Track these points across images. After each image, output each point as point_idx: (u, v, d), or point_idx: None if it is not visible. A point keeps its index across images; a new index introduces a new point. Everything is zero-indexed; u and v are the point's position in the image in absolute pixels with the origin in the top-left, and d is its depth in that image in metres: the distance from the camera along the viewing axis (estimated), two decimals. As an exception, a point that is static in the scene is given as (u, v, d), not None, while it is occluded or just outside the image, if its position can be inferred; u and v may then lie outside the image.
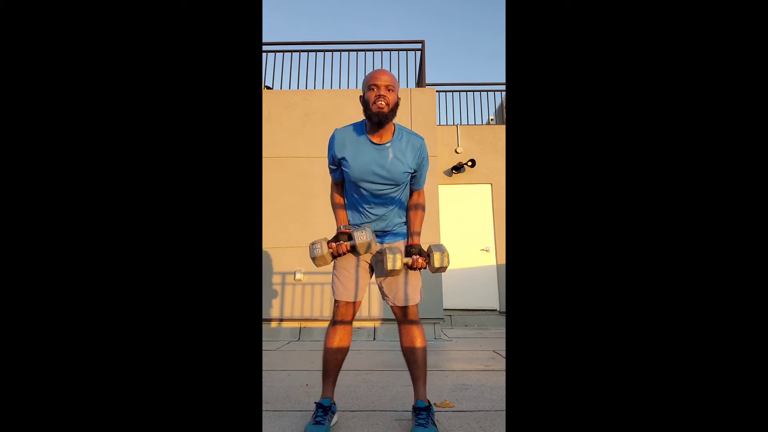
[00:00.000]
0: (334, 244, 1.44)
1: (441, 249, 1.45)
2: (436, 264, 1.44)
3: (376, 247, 1.50)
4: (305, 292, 4.05)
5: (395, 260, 1.38)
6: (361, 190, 1.46)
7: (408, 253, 1.46)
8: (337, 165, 1.48)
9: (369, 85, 1.37)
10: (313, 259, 1.46)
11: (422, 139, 1.48)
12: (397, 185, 1.46)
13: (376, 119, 1.36)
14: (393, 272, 1.40)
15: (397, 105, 1.39)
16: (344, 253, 1.46)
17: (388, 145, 1.42)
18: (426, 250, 1.47)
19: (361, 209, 1.52)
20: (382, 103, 1.33)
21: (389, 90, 1.36)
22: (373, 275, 1.57)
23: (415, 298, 1.50)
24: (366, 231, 1.41)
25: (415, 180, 1.51)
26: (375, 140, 1.42)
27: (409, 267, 1.46)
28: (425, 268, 1.46)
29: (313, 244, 1.46)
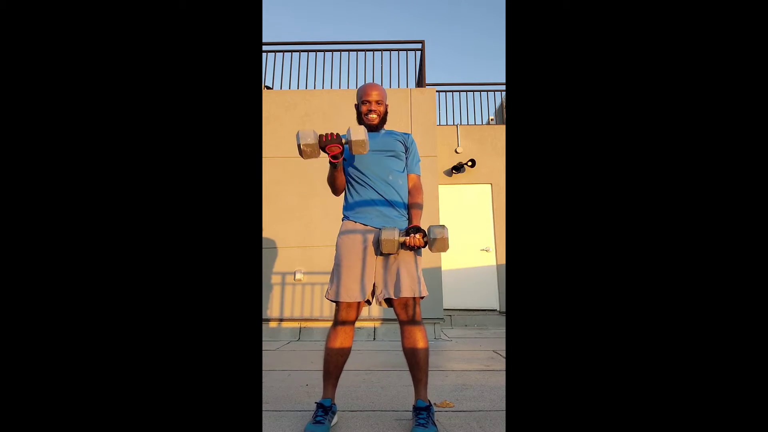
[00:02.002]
0: (323, 134, 1.41)
1: (440, 226, 1.44)
2: (435, 239, 1.41)
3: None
4: (305, 292, 4.05)
5: (392, 233, 1.39)
6: (365, 163, 1.56)
7: (405, 233, 1.45)
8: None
9: (362, 99, 1.62)
10: (301, 146, 1.39)
11: (410, 134, 1.71)
12: (394, 154, 1.59)
13: (368, 128, 1.61)
14: (389, 246, 1.40)
15: (386, 114, 1.66)
16: (332, 139, 1.41)
17: (378, 132, 1.65)
18: (426, 229, 1.46)
19: (363, 188, 1.55)
20: (373, 116, 1.61)
21: (378, 104, 1.62)
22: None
23: (413, 290, 1.47)
24: (361, 130, 1.40)
25: (408, 162, 1.65)
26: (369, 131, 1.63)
27: (405, 246, 1.44)
28: (423, 246, 1.45)
29: (301, 131, 1.39)
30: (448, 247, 1.45)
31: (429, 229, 1.45)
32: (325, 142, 1.42)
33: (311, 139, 1.39)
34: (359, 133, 1.40)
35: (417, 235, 1.43)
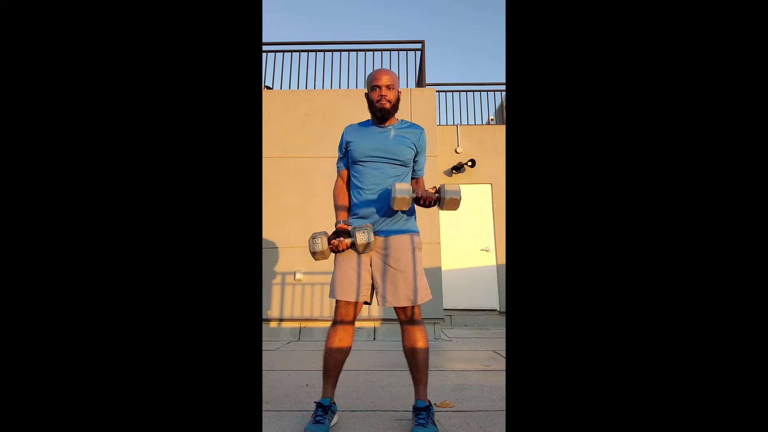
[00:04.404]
0: (335, 241, 1.46)
1: (453, 186, 1.44)
2: (448, 197, 1.41)
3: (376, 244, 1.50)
4: (305, 292, 4.05)
5: (365, 235, 1.41)
6: (365, 170, 1.54)
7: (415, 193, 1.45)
8: (344, 152, 1.61)
9: (372, 85, 1.55)
10: (313, 254, 1.48)
11: (422, 129, 1.63)
12: (399, 163, 1.54)
13: (379, 114, 1.55)
14: (362, 246, 1.43)
15: (398, 100, 1.57)
16: (344, 250, 1.48)
17: (390, 127, 1.59)
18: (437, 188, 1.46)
19: (363, 195, 1.54)
20: (384, 101, 1.53)
21: (390, 89, 1.54)
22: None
23: (409, 299, 1.47)
24: (367, 231, 1.42)
25: (415, 165, 1.63)
26: (379, 126, 1.59)
27: (418, 202, 1.45)
28: (434, 203, 1.45)
29: (313, 238, 1.47)
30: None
31: (441, 186, 1.46)
32: (335, 252, 1.49)
33: (322, 249, 1.47)
34: (363, 237, 1.42)
35: (428, 191, 1.43)
